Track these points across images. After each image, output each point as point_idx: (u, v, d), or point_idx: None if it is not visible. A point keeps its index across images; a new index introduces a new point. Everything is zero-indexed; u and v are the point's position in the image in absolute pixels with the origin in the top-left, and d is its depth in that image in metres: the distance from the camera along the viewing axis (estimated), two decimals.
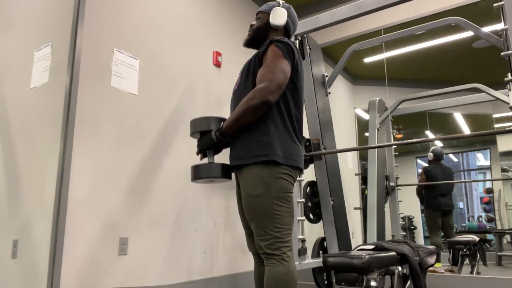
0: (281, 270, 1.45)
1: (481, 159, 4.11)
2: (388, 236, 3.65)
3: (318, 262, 2.51)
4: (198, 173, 1.67)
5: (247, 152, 1.55)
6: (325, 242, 2.78)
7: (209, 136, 1.61)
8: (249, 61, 1.75)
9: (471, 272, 3.15)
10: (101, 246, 2.18)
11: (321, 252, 2.78)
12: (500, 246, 3.57)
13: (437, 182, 3.84)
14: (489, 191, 3.89)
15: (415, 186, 4.03)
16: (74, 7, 2.26)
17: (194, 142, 3.01)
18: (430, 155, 3.92)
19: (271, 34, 1.79)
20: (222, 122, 1.61)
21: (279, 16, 1.78)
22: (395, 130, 4.08)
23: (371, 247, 2.01)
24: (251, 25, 1.86)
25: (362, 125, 4.42)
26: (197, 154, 1.71)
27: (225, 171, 1.67)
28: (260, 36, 1.81)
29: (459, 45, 3.83)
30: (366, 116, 3.95)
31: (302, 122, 1.71)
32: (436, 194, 3.86)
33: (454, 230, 3.82)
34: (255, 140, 1.54)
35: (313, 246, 2.77)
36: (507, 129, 2.18)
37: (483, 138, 3.96)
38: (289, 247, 1.52)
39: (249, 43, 1.87)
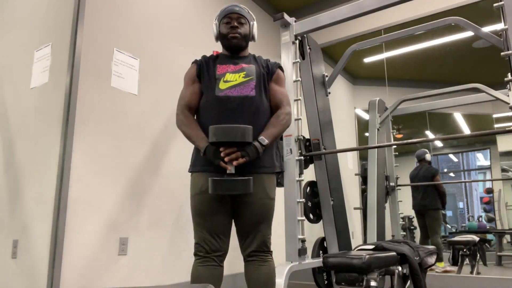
0: (274, 264, 1.76)
1: (481, 159, 4.11)
2: (388, 236, 3.65)
3: (318, 262, 2.51)
4: (236, 188, 1.56)
5: (270, 162, 1.75)
6: (325, 242, 2.78)
7: (254, 148, 1.62)
8: (259, 73, 1.78)
9: (471, 272, 3.15)
10: (101, 246, 2.18)
11: (321, 252, 2.78)
12: (500, 246, 3.57)
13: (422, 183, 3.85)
14: (489, 191, 3.89)
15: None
16: (74, 7, 2.26)
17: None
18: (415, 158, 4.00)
19: (247, 45, 1.89)
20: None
21: (256, 33, 1.91)
22: (395, 130, 4.08)
23: (371, 247, 2.01)
24: (236, 27, 1.80)
25: (362, 125, 4.42)
26: (236, 162, 1.59)
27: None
28: (245, 45, 1.86)
29: (459, 45, 3.83)
30: (366, 116, 3.95)
31: None
32: (413, 195, 3.93)
33: (436, 233, 3.77)
34: (274, 152, 1.79)
35: (313, 246, 2.77)
36: (507, 129, 2.18)
37: (483, 138, 3.96)
38: None
39: (239, 47, 1.82)
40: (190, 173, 1.79)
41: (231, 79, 1.74)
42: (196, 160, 1.76)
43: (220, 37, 1.85)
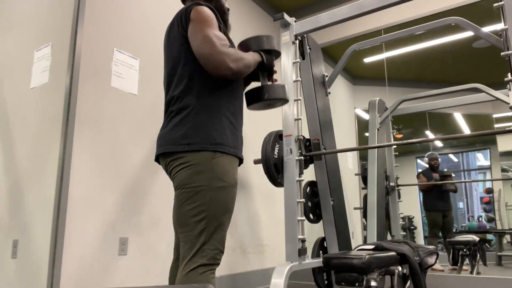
0: None
1: (481, 159, 4.11)
2: (388, 236, 3.65)
3: (318, 262, 2.51)
4: (274, 93, 1.47)
5: None
6: (325, 242, 2.78)
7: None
8: None
9: (471, 272, 3.15)
10: (101, 246, 2.18)
11: (321, 252, 2.78)
12: (500, 246, 3.58)
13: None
14: (489, 191, 3.89)
15: (416, 186, 4.06)
16: (74, 7, 2.26)
17: None
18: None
19: None
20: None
21: None
22: (395, 130, 4.08)
23: (371, 247, 2.01)
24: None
25: (362, 125, 4.43)
26: (272, 71, 1.52)
27: None
28: None
29: (459, 45, 3.84)
30: (366, 116, 3.95)
31: None
32: None
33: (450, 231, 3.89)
34: None
35: (313, 246, 2.77)
36: (507, 129, 2.18)
37: (483, 138, 3.97)
38: None
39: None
40: (217, 154, 1.28)
41: None
42: (233, 140, 1.36)
43: (218, 7, 1.53)
